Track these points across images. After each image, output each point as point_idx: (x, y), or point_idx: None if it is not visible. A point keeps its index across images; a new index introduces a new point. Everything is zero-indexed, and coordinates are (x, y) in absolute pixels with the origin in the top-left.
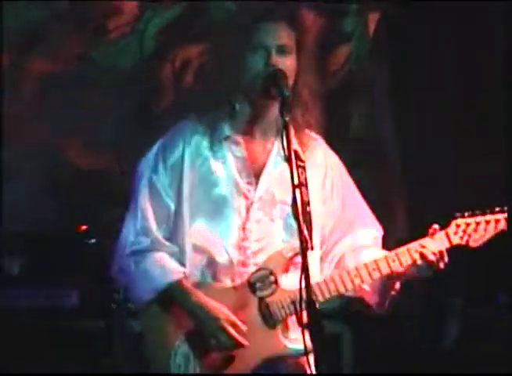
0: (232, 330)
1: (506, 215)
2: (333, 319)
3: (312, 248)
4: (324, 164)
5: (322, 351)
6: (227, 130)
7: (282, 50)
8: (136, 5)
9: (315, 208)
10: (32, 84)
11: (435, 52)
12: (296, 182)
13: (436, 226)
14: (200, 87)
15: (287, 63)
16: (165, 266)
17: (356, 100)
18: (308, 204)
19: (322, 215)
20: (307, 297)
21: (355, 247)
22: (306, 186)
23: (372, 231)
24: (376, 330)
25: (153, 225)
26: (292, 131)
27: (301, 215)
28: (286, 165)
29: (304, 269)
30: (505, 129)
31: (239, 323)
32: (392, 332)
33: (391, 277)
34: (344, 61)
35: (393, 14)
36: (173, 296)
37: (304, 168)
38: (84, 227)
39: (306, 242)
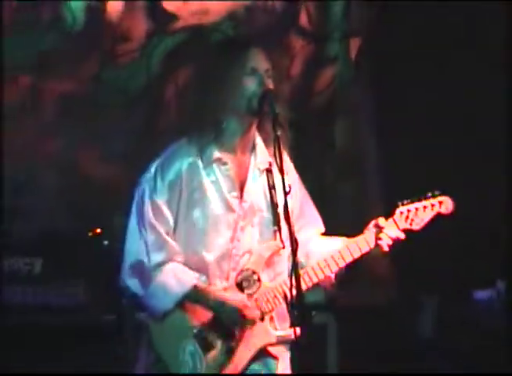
0: (248, 313)
1: (440, 198)
2: (320, 311)
3: (285, 247)
4: (288, 172)
5: (309, 336)
6: (216, 152)
7: (268, 74)
8: (144, 32)
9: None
10: (49, 104)
11: (416, 74)
12: (287, 189)
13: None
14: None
15: (271, 85)
16: (179, 277)
17: (341, 118)
18: (277, 205)
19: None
20: (296, 289)
21: (303, 241)
22: (275, 189)
23: (316, 227)
24: (358, 320)
25: (166, 237)
26: (264, 145)
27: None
28: (262, 178)
29: (295, 265)
30: (482, 146)
31: (250, 305)
32: (372, 322)
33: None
34: (329, 82)
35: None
36: (191, 301)
37: (271, 172)
38: (98, 230)
39: (296, 242)
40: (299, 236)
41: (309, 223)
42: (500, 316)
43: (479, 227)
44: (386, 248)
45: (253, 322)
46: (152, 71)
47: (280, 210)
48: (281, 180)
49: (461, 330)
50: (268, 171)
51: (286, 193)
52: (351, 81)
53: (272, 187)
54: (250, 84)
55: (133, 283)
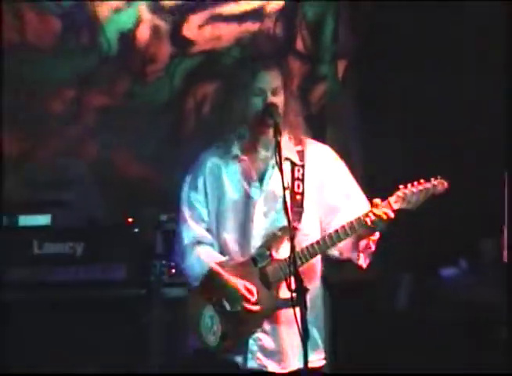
0: (247, 296)
1: (434, 182)
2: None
3: (297, 229)
4: (320, 162)
5: (303, 302)
6: (236, 151)
7: (274, 92)
8: (167, 55)
9: (312, 195)
10: (90, 113)
11: (393, 88)
12: (286, 185)
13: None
14: (215, 121)
15: (278, 100)
16: (202, 258)
17: (330, 125)
18: (303, 193)
19: (319, 200)
20: (294, 269)
21: (339, 224)
22: (302, 180)
23: (358, 210)
24: (347, 296)
25: (194, 226)
26: (293, 141)
27: (290, 209)
28: (282, 165)
29: (293, 248)
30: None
31: (250, 289)
32: (358, 297)
33: (356, 238)
34: (321, 96)
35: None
36: (208, 279)
37: (303, 166)
38: (130, 220)
39: (294, 229)
40: (335, 221)
41: (347, 209)
42: (462, 290)
43: (447, 214)
44: (369, 223)
45: (246, 305)
46: (174, 87)
47: (308, 197)
48: (289, 177)
49: (430, 300)
50: (293, 163)
51: (284, 189)
52: (339, 95)
53: (296, 178)
54: (257, 102)
55: (178, 259)
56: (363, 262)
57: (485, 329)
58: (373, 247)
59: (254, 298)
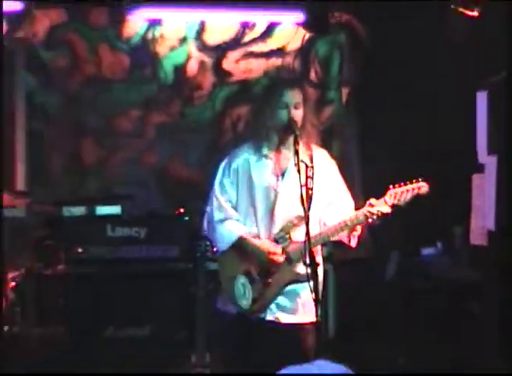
0: (272, 257)
1: (419, 184)
2: (323, 262)
3: (307, 216)
4: (322, 164)
5: (315, 276)
6: (265, 151)
7: (296, 106)
8: (210, 84)
9: (317, 190)
10: (150, 129)
11: (388, 112)
12: (303, 183)
13: (373, 199)
14: (249, 128)
15: (299, 113)
16: (231, 229)
17: (336, 139)
18: (312, 188)
19: (320, 194)
20: (308, 249)
21: (331, 215)
22: (312, 178)
23: (345, 204)
24: (347, 269)
25: (225, 205)
26: (305, 147)
27: (306, 200)
28: (299, 167)
29: (307, 235)
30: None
31: (276, 251)
32: (355, 270)
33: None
34: (329, 116)
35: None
36: (237, 245)
37: (312, 167)
38: (181, 210)
39: (308, 218)
40: (328, 210)
41: (338, 203)
42: (438, 266)
43: (428, 206)
44: (375, 218)
45: (278, 263)
46: (215, 109)
47: (318, 191)
48: (305, 177)
49: (413, 274)
50: (306, 165)
51: (301, 186)
52: (343, 116)
53: (308, 176)
54: (282, 114)
55: (207, 233)
56: (353, 242)
57: (457, 297)
58: (360, 230)
59: (279, 250)
